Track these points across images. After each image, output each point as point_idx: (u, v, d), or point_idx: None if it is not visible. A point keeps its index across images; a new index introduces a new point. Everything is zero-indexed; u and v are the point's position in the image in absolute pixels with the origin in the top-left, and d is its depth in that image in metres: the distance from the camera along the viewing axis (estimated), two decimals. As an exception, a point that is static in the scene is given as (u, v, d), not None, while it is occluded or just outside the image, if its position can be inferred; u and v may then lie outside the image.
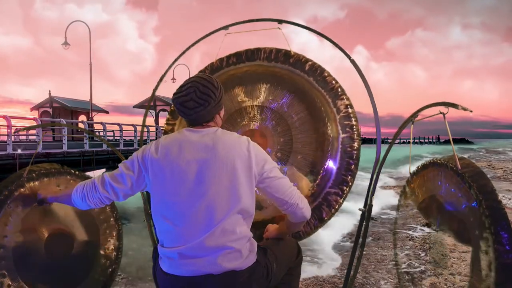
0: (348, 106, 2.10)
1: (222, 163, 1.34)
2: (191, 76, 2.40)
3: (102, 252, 2.08)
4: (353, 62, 2.05)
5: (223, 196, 1.33)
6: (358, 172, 2.10)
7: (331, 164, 2.12)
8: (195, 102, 1.40)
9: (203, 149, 1.37)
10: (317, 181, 2.14)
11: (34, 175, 1.80)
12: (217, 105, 1.45)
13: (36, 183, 1.81)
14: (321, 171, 2.14)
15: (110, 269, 2.11)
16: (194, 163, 1.35)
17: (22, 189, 1.74)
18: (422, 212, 1.85)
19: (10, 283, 1.68)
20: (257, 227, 1.84)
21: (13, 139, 11.20)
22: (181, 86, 1.46)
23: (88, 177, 2.10)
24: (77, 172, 2.03)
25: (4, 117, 11.41)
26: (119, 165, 1.48)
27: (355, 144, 2.09)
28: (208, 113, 1.43)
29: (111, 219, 2.13)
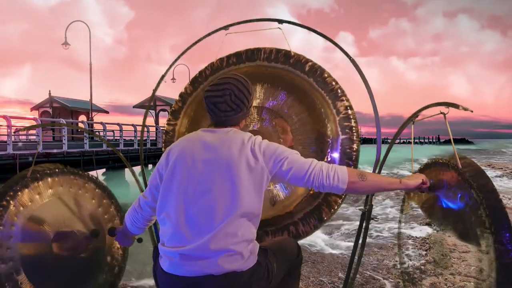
0: (348, 108, 2.10)
1: (224, 164, 1.33)
2: (191, 76, 2.41)
3: (108, 251, 2.09)
4: (353, 61, 2.05)
5: (225, 197, 1.32)
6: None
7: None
8: (228, 106, 1.38)
9: (210, 149, 1.37)
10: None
11: (38, 175, 1.81)
12: (247, 111, 1.45)
13: (40, 183, 1.81)
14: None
15: (117, 269, 2.12)
16: (200, 163, 1.36)
17: (26, 190, 1.75)
18: (425, 212, 1.85)
19: (18, 283, 1.68)
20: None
21: (13, 139, 11.19)
22: (217, 84, 1.41)
23: (92, 176, 2.11)
24: (80, 172, 2.04)
25: (4, 117, 11.41)
26: (148, 181, 1.53)
27: (355, 146, 2.09)
28: (237, 119, 1.43)
29: (116, 219, 2.15)
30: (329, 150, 2.13)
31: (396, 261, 2.12)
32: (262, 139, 1.43)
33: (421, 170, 1.77)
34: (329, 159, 2.12)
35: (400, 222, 2.07)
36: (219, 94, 1.39)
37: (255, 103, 2.25)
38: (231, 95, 1.38)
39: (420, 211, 1.90)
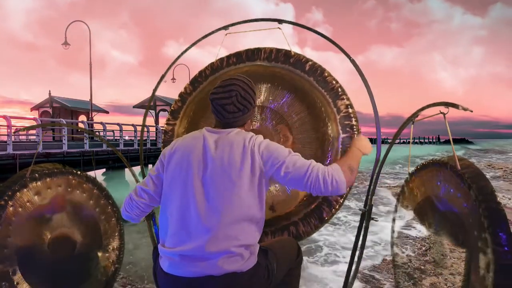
0: (349, 106, 2.10)
1: (226, 167, 1.33)
2: (191, 76, 2.41)
3: (104, 252, 2.09)
4: (353, 62, 2.05)
5: (226, 200, 1.32)
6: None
7: (331, 164, 2.11)
8: (235, 107, 1.39)
9: (213, 151, 1.36)
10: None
11: (36, 175, 1.81)
12: (253, 111, 1.46)
13: (39, 183, 1.81)
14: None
15: (112, 269, 2.12)
16: (203, 164, 1.35)
17: (25, 190, 1.75)
18: (419, 216, 1.85)
19: (15, 283, 1.68)
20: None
21: (13, 139, 11.19)
22: (222, 86, 1.41)
23: (90, 177, 2.11)
24: (79, 172, 2.03)
25: (4, 117, 11.40)
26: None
27: (356, 144, 2.08)
28: (243, 119, 1.43)
29: (113, 219, 2.14)
30: (330, 149, 2.13)
31: (397, 261, 2.12)
32: (264, 138, 1.42)
33: (418, 170, 1.77)
34: (330, 158, 2.12)
35: (393, 220, 2.07)
36: (225, 96, 1.39)
37: (256, 102, 2.25)
38: (237, 96, 1.38)
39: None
